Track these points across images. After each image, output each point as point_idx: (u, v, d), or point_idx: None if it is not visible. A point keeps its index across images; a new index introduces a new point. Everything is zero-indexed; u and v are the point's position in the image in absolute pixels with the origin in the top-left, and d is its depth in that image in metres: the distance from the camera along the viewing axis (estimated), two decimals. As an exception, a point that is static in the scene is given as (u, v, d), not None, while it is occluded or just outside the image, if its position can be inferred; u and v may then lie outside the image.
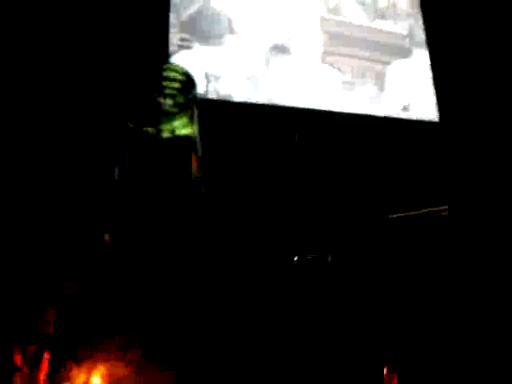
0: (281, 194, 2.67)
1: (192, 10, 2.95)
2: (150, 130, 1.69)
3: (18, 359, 1.77)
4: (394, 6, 3.21)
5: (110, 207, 1.68)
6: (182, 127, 1.73)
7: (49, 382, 1.77)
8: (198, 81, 2.53)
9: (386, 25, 3.18)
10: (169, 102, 1.74)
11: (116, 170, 1.67)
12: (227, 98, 2.79)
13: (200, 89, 2.60)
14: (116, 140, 1.71)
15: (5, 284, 1.84)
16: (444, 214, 2.39)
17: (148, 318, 1.69)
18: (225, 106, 2.76)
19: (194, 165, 1.74)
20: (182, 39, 2.88)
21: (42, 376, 1.78)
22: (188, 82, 1.83)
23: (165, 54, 2.61)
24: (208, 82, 2.78)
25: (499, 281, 2.15)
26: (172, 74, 1.81)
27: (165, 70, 1.82)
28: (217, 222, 2.18)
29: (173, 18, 2.85)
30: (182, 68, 1.86)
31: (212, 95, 2.75)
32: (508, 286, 2.12)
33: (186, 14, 2.94)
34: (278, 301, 2.23)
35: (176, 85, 1.78)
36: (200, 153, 1.78)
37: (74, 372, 1.76)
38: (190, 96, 1.81)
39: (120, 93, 1.80)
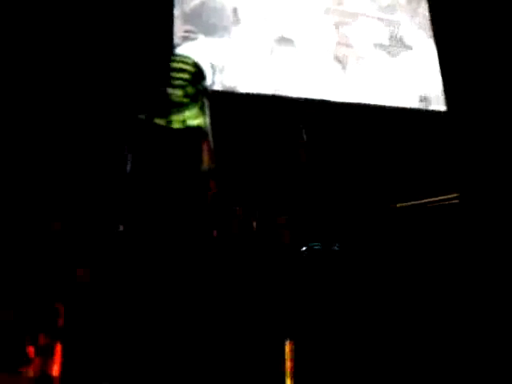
0: (287, 183, 2.67)
1: (196, 1, 2.94)
2: (160, 121, 1.70)
3: (30, 350, 1.78)
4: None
5: (123, 198, 1.69)
6: (193, 118, 1.74)
7: (61, 373, 1.78)
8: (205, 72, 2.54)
9: (393, 16, 3.16)
10: (179, 92, 1.75)
11: (128, 161, 1.68)
12: (232, 90, 2.79)
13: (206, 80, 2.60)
14: (127, 132, 1.72)
15: (17, 276, 1.85)
16: (452, 202, 2.39)
17: (160, 306, 1.71)
18: (230, 98, 2.76)
19: (206, 154, 1.75)
20: (187, 31, 2.88)
21: (55, 367, 1.79)
22: (198, 72, 1.84)
23: (170, 46, 2.61)
24: (213, 73, 2.78)
25: (506, 271, 2.15)
26: (181, 65, 1.81)
27: (174, 61, 1.82)
28: (226, 211, 2.19)
29: (177, 10, 2.85)
30: (192, 59, 1.87)
31: (217, 86, 2.75)
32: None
33: (189, 6, 2.93)
34: (285, 290, 2.24)
35: (186, 75, 1.78)
36: (211, 143, 1.78)
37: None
38: (199, 87, 1.81)
39: (130, 85, 1.80)
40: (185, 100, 1.74)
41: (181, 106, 1.73)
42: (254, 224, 2.44)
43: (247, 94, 2.77)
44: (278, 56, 2.93)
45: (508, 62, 2.74)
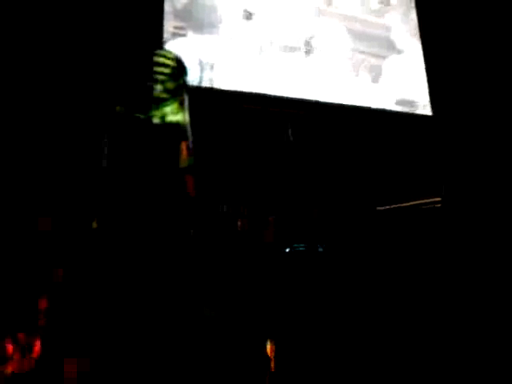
0: (272, 184, 2.66)
1: (186, -2, 2.93)
2: (139, 115, 1.67)
3: (9, 347, 1.76)
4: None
5: (98, 194, 1.66)
6: (173, 113, 1.71)
7: (40, 369, 1.76)
8: (192, 69, 2.52)
9: (381, 18, 3.15)
10: (159, 87, 1.72)
11: (105, 155, 1.65)
12: (220, 87, 2.77)
13: (194, 77, 2.58)
14: (105, 125, 1.69)
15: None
16: (435, 205, 2.39)
17: (136, 305, 1.68)
18: (217, 95, 2.74)
19: (184, 152, 1.72)
20: (176, 27, 2.85)
21: (33, 364, 1.78)
22: (179, 68, 1.80)
23: (159, 41, 2.59)
24: (201, 70, 2.76)
25: (492, 273, 2.14)
26: (163, 60, 1.78)
27: (156, 55, 1.79)
28: (206, 211, 2.17)
29: (167, 6, 2.83)
30: (174, 54, 1.84)
31: (205, 83, 2.73)
32: (500, 278, 2.12)
33: (180, 2, 2.91)
34: (270, 291, 2.23)
35: (166, 70, 1.76)
36: (190, 139, 1.76)
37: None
38: (180, 82, 1.78)
39: (110, 78, 1.78)
40: (165, 95, 1.72)
41: (160, 102, 1.70)
42: (239, 223, 2.43)
43: (235, 92, 2.75)
44: (266, 54, 2.92)
45: (495, 66, 2.73)
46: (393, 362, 2.00)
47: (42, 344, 1.79)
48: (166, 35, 2.76)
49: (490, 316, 2.02)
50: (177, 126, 1.71)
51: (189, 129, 1.76)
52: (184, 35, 2.86)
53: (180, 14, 2.88)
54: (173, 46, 2.80)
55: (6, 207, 1.89)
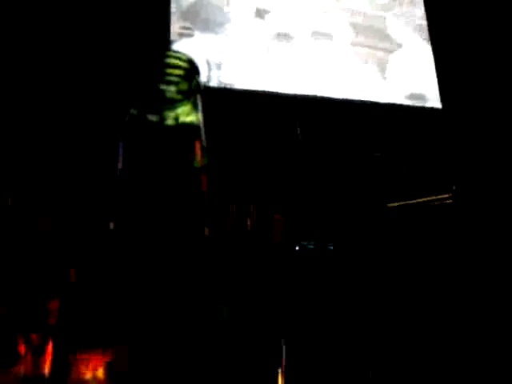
0: (282, 182, 2.67)
1: (193, -2, 2.93)
2: (153, 117, 1.68)
3: (21, 348, 1.77)
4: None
5: (114, 195, 1.67)
6: (186, 114, 1.73)
7: (52, 370, 1.77)
8: (200, 69, 2.52)
9: (389, 13, 3.15)
10: (172, 88, 1.73)
11: (120, 157, 1.67)
12: (229, 86, 2.78)
13: (201, 77, 2.59)
14: (120, 128, 1.70)
15: (9, 273, 1.84)
16: (445, 201, 2.39)
17: (150, 309, 1.69)
18: (225, 94, 2.75)
19: (198, 152, 1.73)
20: (183, 27, 2.86)
21: (46, 364, 1.78)
22: (191, 69, 1.82)
23: (166, 42, 2.60)
24: (209, 69, 2.77)
25: (501, 271, 2.15)
26: (175, 61, 1.79)
27: (168, 56, 1.81)
28: (219, 210, 2.18)
29: (173, 7, 2.84)
30: (186, 55, 1.85)
31: (213, 83, 2.74)
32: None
33: (187, 2, 2.92)
34: (279, 290, 2.23)
35: (179, 71, 1.77)
36: (204, 140, 1.77)
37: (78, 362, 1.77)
38: (193, 83, 1.80)
39: (123, 80, 1.79)
40: (178, 96, 1.73)
41: (174, 103, 1.72)
42: (249, 222, 2.43)
43: (243, 91, 2.76)
44: (274, 52, 2.92)
45: (505, 61, 2.74)
46: (406, 362, 2.01)
47: (53, 345, 1.80)
48: (172, 36, 2.77)
49: (502, 314, 2.03)
50: (191, 126, 1.72)
51: (203, 129, 1.77)
52: (191, 35, 2.87)
53: (186, 15, 2.90)
54: (180, 46, 2.81)
55: (20, 208, 1.91)
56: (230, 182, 2.45)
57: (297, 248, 2.38)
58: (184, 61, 1.81)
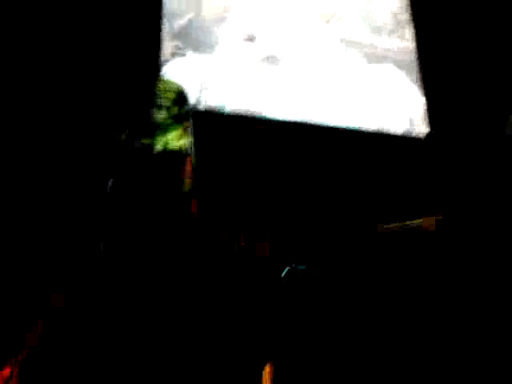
0: (271, 204, 2.68)
1: (184, 20, 2.97)
2: (143, 142, 1.69)
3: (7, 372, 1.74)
4: (394, 17, 3.19)
5: (103, 218, 1.67)
6: (176, 139, 1.73)
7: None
8: (191, 90, 2.54)
9: (383, 39, 3.17)
10: (163, 113, 1.74)
11: (109, 181, 1.66)
12: (217, 108, 2.80)
13: (192, 99, 2.60)
14: (109, 152, 1.70)
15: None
16: (435, 224, 2.41)
17: (140, 331, 1.68)
18: (214, 116, 2.77)
19: (187, 176, 1.74)
20: (176, 47, 2.90)
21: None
22: (182, 94, 1.84)
23: (158, 66, 2.61)
24: (200, 90, 2.79)
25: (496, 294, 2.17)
26: (166, 86, 1.81)
27: (159, 81, 1.82)
28: (208, 232, 2.17)
29: (165, 28, 2.86)
30: (176, 84, 1.87)
31: (203, 106, 2.75)
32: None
33: (177, 24, 2.96)
34: (266, 312, 2.23)
35: (170, 96, 1.78)
36: (193, 165, 1.78)
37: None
38: (184, 108, 1.81)
39: (113, 105, 1.79)
40: (169, 121, 1.74)
41: (165, 127, 1.73)
42: (238, 245, 2.44)
43: (232, 114, 2.77)
44: (264, 76, 2.95)
45: (495, 83, 2.77)
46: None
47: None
48: (164, 57, 2.79)
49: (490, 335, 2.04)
50: (180, 151, 1.73)
51: (193, 153, 1.78)
52: (183, 55, 2.90)
53: (178, 36, 2.93)
54: (172, 66, 2.84)
55: (8, 230, 1.88)
56: (220, 206, 2.45)
57: (286, 270, 2.39)
58: (175, 86, 1.83)
